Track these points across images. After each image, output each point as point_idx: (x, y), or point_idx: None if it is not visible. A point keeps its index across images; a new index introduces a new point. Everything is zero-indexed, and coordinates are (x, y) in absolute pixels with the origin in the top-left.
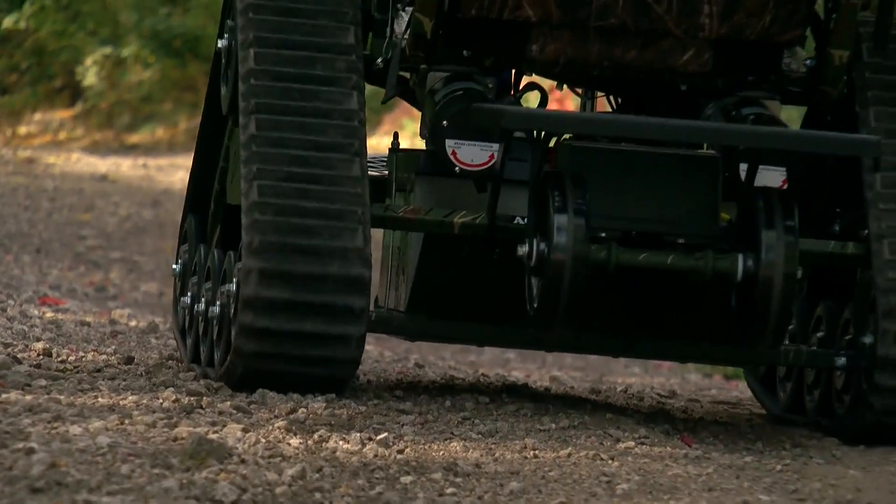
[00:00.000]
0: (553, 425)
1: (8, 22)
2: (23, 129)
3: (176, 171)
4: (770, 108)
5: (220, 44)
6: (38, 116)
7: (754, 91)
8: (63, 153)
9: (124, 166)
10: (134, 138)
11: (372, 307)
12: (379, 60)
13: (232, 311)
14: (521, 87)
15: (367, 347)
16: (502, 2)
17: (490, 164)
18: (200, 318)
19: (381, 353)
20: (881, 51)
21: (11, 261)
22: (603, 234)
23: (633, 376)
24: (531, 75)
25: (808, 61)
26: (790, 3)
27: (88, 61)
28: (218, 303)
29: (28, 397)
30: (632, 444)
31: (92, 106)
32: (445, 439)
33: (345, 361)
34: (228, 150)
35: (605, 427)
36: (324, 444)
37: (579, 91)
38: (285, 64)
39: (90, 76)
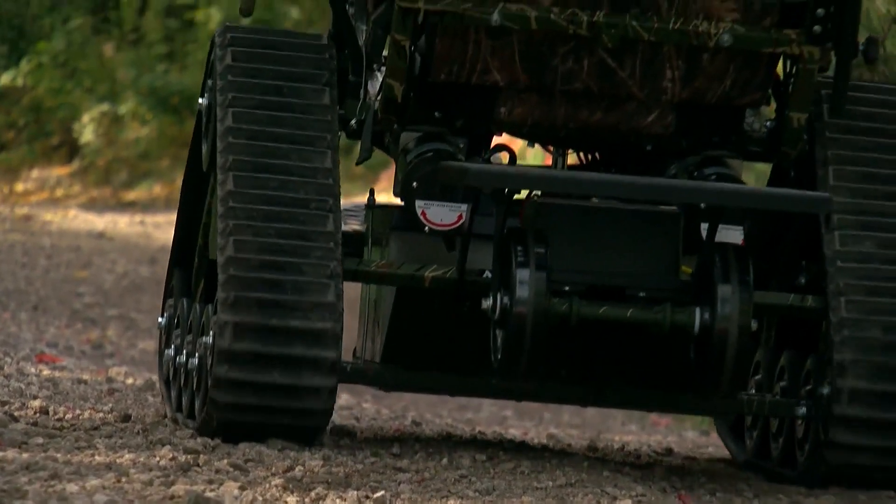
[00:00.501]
0: (550, 483)
1: (5, 79)
2: (20, 186)
3: (173, 229)
4: (732, 166)
5: (201, 102)
6: (35, 173)
7: (717, 151)
8: (60, 210)
9: (121, 223)
10: (131, 195)
11: (350, 358)
12: (353, 122)
13: (208, 363)
14: (490, 148)
15: (364, 405)
16: (471, 67)
17: (458, 223)
18: (182, 370)
19: (378, 411)
20: (838, 112)
21: (8, 318)
22: (566, 288)
23: (630, 434)
24: (500, 136)
25: (768, 122)
26: (750, 68)
27: (86, 118)
28: (197, 354)
29: (25, 455)
30: (629, 501)
31: (89, 163)
32: (443, 497)
33: (316, 412)
34: (210, 206)
35: (603, 485)
36: (321, 502)
37: (550, 148)
38: (262, 123)
39: (87, 133)
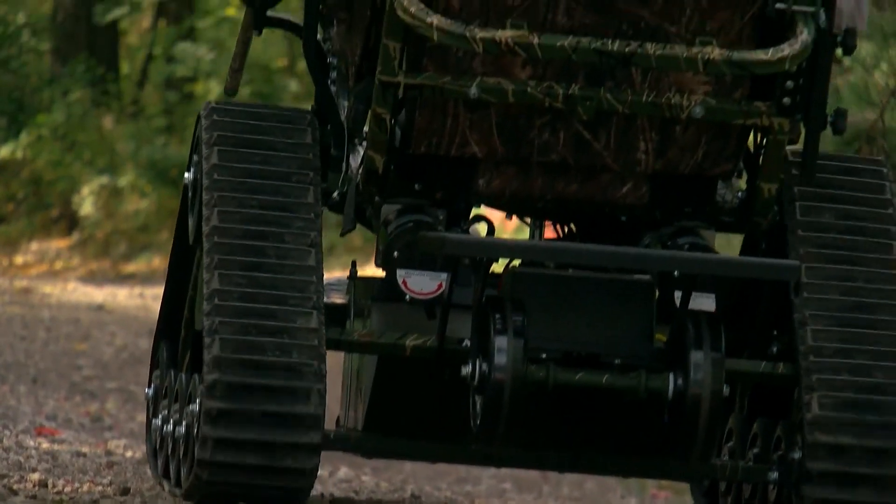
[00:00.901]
0: None
1: (5, 151)
2: (19, 259)
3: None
4: (705, 236)
5: (187, 177)
6: (34, 246)
7: (690, 221)
8: (59, 283)
9: (121, 296)
10: (130, 268)
11: (333, 427)
12: (335, 194)
13: (195, 428)
14: (469, 218)
15: (363, 478)
16: (450, 139)
17: (438, 292)
18: (169, 439)
19: (378, 484)
20: (808, 181)
21: (7, 391)
22: (543, 355)
23: None
24: (479, 207)
25: (740, 193)
26: (722, 139)
27: (85, 191)
28: (184, 423)
29: None
30: None
31: (88, 235)
32: None
33: (302, 472)
34: (196, 279)
35: None
36: None
37: (527, 219)
38: (246, 191)
39: (87, 206)
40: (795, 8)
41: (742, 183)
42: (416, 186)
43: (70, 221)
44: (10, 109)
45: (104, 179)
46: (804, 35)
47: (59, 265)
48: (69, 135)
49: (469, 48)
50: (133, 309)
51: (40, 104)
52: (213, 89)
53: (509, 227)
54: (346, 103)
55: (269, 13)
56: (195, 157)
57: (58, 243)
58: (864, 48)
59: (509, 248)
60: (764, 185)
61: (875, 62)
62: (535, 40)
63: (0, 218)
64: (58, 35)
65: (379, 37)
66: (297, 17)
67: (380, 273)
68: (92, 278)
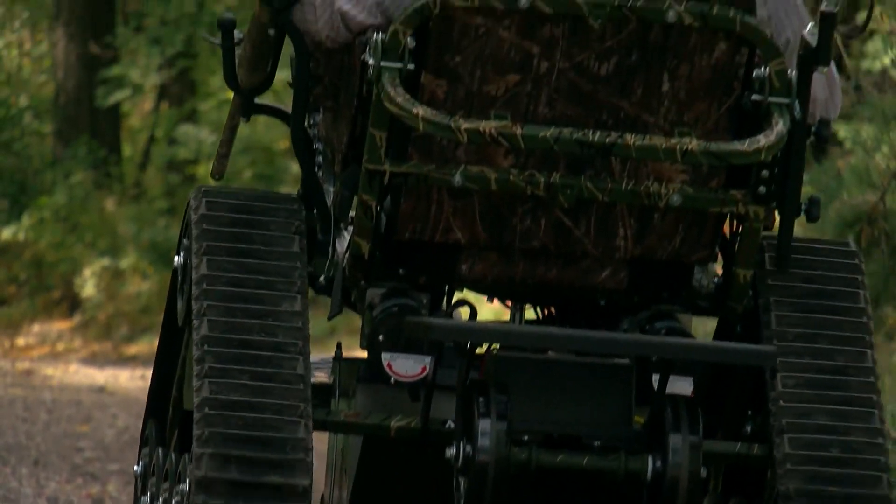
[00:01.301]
0: None
1: (7, 233)
2: (21, 341)
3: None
4: (682, 321)
5: (176, 261)
6: (36, 328)
7: (667, 306)
8: (61, 364)
9: (122, 378)
10: (132, 349)
11: None
12: (322, 278)
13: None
14: (452, 303)
15: None
16: (434, 226)
17: (422, 374)
18: None
19: None
20: (783, 267)
21: (9, 473)
22: (525, 437)
23: None
24: (462, 291)
25: (716, 278)
26: (698, 226)
27: (87, 273)
28: (174, 501)
29: None
30: None
31: (90, 317)
32: None
33: None
34: (185, 360)
35: None
36: None
37: (508, 303)
38: (236, 271)
39: (88, 287)
40: (771, 99)
41: (718, 268)
42: (401, 271)
43: (72, 303)
44: (12, 191)
45: (106, 261)
46: (779, 126)
47: (60, 347)
48: (71, 217)
49: (454, 138)
50: (135, 391)
51: (42, 186)
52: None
53: (490, 308)
54: (332, 189)
55: (257, 100)
56: (185, 241)
57: (59, 325)
58: (866, 131)
59: (494, 334)
60: (740, 271)
61: (876, 145)
62: (518, 131)
63: (1, 300)
64: (60, 117)
65: (365, 125)
66: (284, 104)
67: (364, 354)
68: (93, 360)
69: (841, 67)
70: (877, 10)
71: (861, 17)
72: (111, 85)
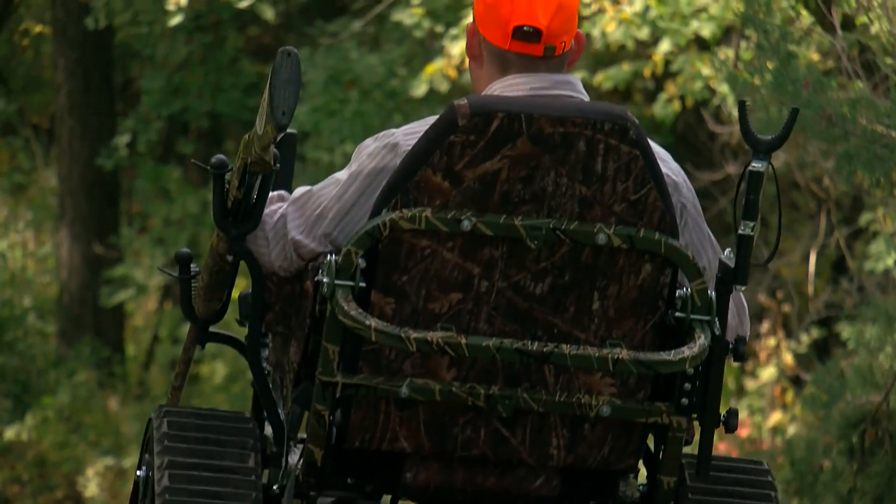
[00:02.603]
0: None
1: (10, 433)
2: None
3: None
4: None
5: (138, 474)
6: None
7: None
8: None
9: None
10: None
11: None
12: (276, 486)
13: None
14: None
15: None
16: (381, 435)
17: None
18: None
19: None
20: (703, 477)
21: None
22: None
23: None
24: (405, 500)
25: (641, 486)
26: (626, 437)
27: (90, 472)
28: None
29: None
30: None
31: None
32: None
33: None
34: None
35: None
36: None
37: None
38: (195, 483)
39: (92, 487)
40: (693, 317)
41: (642, 477)
42: (349, 480)
43: (75, 503)
44: (15, 391)
45: (109, 461)
46: (701, 340)
47: None
48: (74, 416)
49: (404, 348)
50: None
51: (46, 386)
52: (218, 370)
53: None
54: (284, 404)
55: (212, 329)
56: (146, 457)
57: None
58: (869, 331)
59: None
60: (664, 479)
61: (880, 345)
62: (464, 341)
63: (5, 500)
64: (64, 318)
65: (318, 343)
66: (237, 331)
67: None
68: None
69: (844, 268)
70: (879, 212)
71: (864, 218)
72: (115, 285)
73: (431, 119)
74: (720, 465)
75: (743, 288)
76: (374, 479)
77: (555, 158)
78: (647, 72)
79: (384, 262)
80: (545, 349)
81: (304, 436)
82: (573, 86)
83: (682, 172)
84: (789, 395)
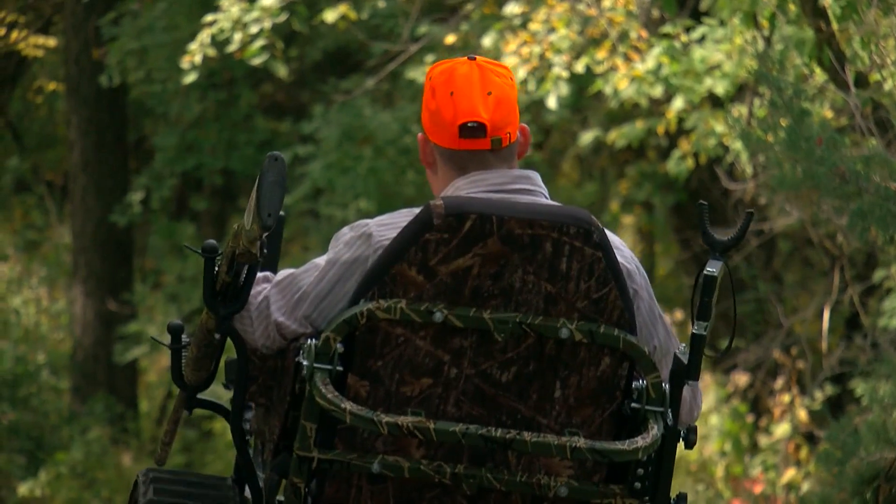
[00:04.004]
0: None
1: (24, 489)
2: None
3: None
4: None
5: None
6: None
7: None
8: None
9: None
10: None
11: None
12: None
13: None
14: None
15: None
16: None
17: None
18: None
19: None
20: None
21: None
22: None
23: None
24: None
25: None
26: None
27: None
28: None
29: None
30: None
31: None
32: None
33: None
34: None
35: None
36: None
37: None
38: None
39: None
40: (648, 407)
41: None
42: None
43: None
44: (29, 447)
45: None
46: (654, 430)
47: None
48: (88, 472)
49: (376, 431)
50: None
51: (59, 442)
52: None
53: None
54: (262, 474)
55: (200, 396)
56: None
57: None
58: (883, 388)
59: None
60: None
61: (893, 402)
62: (432, 425)
63: None
64: (77, 374)
65: (296, 419)
66: (224, 395)
67: None
68: None
69: (858, 325)
70: (893, 269)
71: (878, 275)
72: (128, 341)
73: (404, 211)
74: None
75: (694, 383)
76: None
77: (523, 258)
78: (660, 129)
79: (361, 348)
80: (507, 436)
81: (282, 499)
82: (532, 180)
83: (636, 259)
84: (803, 452)
